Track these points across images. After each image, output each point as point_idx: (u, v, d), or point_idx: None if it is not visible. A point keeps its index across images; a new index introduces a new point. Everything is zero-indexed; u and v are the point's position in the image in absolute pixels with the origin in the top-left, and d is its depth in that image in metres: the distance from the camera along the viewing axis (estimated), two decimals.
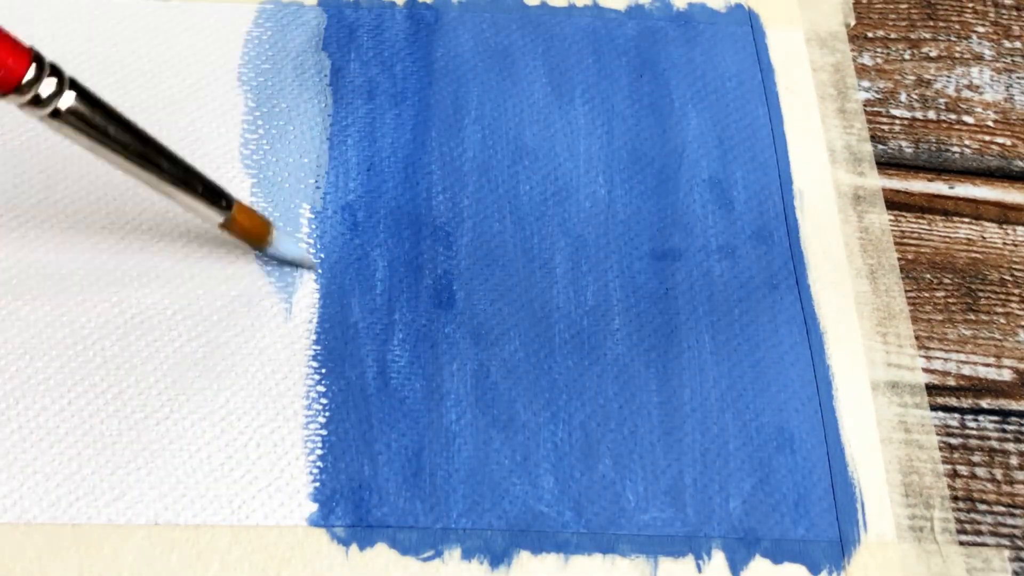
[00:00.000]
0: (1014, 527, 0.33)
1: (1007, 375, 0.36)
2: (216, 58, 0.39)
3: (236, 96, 0.39)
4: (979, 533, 0.33)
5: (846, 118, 0.40)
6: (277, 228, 0.35)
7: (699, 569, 0.32)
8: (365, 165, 0.38)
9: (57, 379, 0.33)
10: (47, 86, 0.27)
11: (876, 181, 0.39)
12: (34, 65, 0.27)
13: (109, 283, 0.35)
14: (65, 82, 0.27)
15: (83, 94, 0.28)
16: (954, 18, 0.43)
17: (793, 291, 0.36)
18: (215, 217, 0.32)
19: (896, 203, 0.39)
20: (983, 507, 0.33)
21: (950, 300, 0.37)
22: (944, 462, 0.34)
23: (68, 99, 0.28)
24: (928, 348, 0.36)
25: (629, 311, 0.36)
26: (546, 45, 0.41)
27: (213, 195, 0.32)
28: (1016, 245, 0.38)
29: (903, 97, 0.41)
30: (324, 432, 0.33)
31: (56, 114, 0.28)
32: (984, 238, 0.38)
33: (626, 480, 0.33)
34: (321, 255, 0.36)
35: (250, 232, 0.34)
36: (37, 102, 0.27)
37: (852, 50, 0.42)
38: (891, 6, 0.43)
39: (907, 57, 0.42)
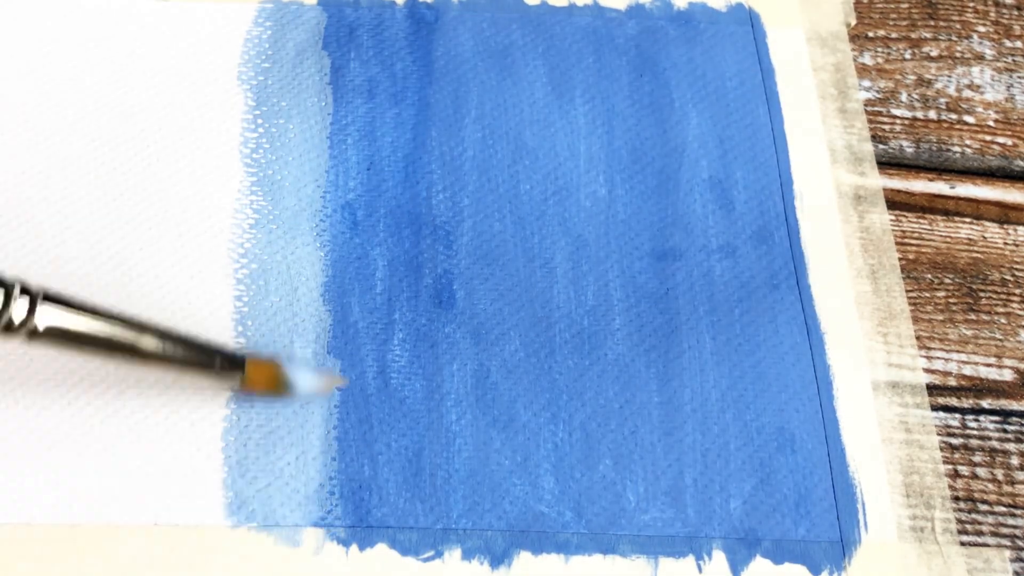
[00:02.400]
0: (1015, 527, 0.33)
1: (1008, 375, 0.36)
2: (216, 58, 0.39)
3: (236, 95, 0.39)
4: (980, 533, 0.33)
5: (847, 118, 0.40)
6: (288, 366, 0.32)
7: (700, 569, 0.32)
8: (365, 164, 0.38)
9: (57, 379, 0.33)
10: (19, 309, 0.25)
11: (877, 181, 0.39)
12: None
13: (109, 283, 0.35)
14: (37, 298, 0.25)
15: (60, 303, 0.25)
16: (955, 18, 0.43)
17: (794, 291, 0.36)
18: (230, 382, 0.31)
19: (897, 203, 0.39)
20: (984, 507, 0.33)
21: (951, 300, 0.37)
22: (945, 462, 0.34)
23: (45, 316, 0.25)
24: (929, 348, 0.36)
25: (629, 311, 0.36)
26: (546, 44, 0.41)
27: (227, 363, 0.30)
28: (1017, 245, 0.38)
29: (904, 97, 0.41)
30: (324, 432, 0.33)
31: (34, 334, 0.25)
32: (985, 238, 0.38)
33: (626, 480, 0.33)
34: (321, 253, 0.36)
35: (267, 383, 0.32)
36: (9, 328, 0.24)
37: (853, 50, 0.42)
38: (892, 6, 0.43)
39: (908, 57, 0.42)
